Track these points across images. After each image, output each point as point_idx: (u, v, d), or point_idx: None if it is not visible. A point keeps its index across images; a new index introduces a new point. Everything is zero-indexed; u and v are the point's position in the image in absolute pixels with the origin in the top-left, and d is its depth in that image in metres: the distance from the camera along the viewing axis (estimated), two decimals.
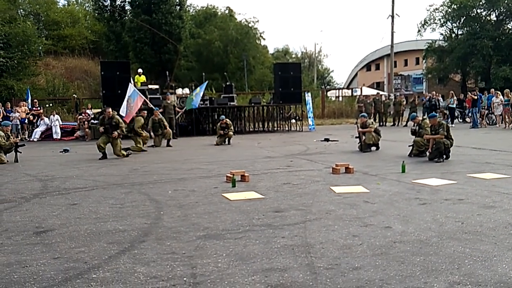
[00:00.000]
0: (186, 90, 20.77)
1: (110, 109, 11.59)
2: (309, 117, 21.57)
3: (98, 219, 5.12)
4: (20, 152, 11.07)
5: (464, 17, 41.60)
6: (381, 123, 22.20)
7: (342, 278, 3.20)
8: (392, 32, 35.51)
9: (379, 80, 59.26)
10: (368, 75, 61.71)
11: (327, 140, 14.73)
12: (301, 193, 6.29)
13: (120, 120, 11.51)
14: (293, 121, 22.39)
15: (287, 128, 21.72)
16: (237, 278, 3.26)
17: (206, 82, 19.76)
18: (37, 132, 18.49)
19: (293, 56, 59.81)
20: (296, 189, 6.64)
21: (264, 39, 49.55)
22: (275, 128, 21.77)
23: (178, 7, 32.52)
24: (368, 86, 45.60)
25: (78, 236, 4.45)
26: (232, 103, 20.65)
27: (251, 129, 21.89)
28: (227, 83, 22.18)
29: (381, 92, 27.00)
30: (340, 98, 32.99)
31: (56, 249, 4.06)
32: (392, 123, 22.89)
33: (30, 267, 3.61)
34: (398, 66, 55.08)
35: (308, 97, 22.00)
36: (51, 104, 24.27)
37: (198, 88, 18.49)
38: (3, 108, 18.79)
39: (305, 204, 5.59)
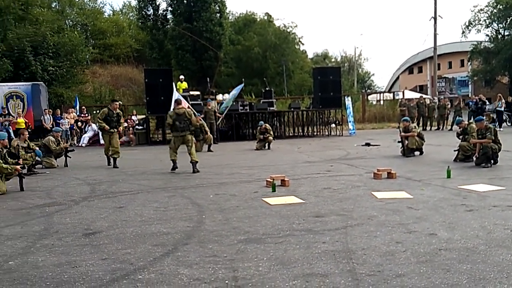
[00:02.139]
0: (227, 96, 21.03)
1: (117, 103, 11.40)
2: (350, 122, 21.31)
3: (143, 221, 5.28)
4: (70, 157, 11.57)
5: (511, 18, 39.95)
6: (425, 127, 21.61)
7: (385, 285, 3.16)
8: (435, 34, 34.56)
9: (422, 83, 57.74)
10: (410, 78, 60.28)
11: (368, 144, 14.50)
12: (342, 198, 6.24)
13: (121, 114, 11.22)
14: (333, 125, 22.18)
15: (327, 133, 21.54)
16: (278, 283, 3.28)
17: (242, 84, 19.95)
18: (85, 138, 19.24)
19: (333, 60, 59.28)
20: (337, 194, 6.59)
21: (303, 44, 49.37)
22: (315, 133, 21.63)
23: (218, 15, 33.03)
24: (411, 90, 44.57)
25: (125, 238, 4.61)
26: (271, 108, 20.72)
27: (290, 134, 21.86)
28: (267, 88, 22.29)
29: (424, 96, 26.29)
30: (382, 102, 32.39)
31: (104, 250, 4.22)
32: (436, 127, 22.24)
33: (80, 267, 3.77)
34: (442, 68, 53.50)
35: (348, 101, 21.75)
36: (98, 111, 25.18)
37: (234, 90, 18.73)
38: (51, 114, 19.70)
39: (346, 210, 5.54)
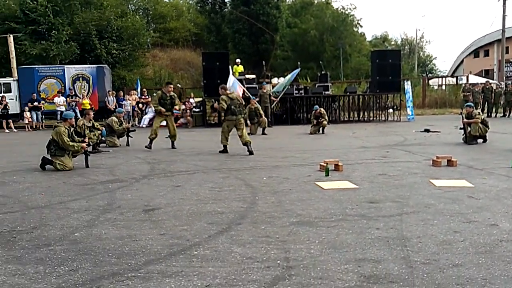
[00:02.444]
0: (282, 80, 20.99)
1: (171, 86, 11.28)
2: (408, 107, 20.61)
3: (199, 200, 5.46)
4: (131, 137, 12.10)
5: None
6: (490, 114, 20.47)
7: (441, 275, 3.08)
8: (504, 16, 32.38)
9: (488, 67, 54.39)
10: (475, 62, 56.97)
11: (427, 131, 13.98)
12: (398, 185, 6.09)
13: (175, 96, 11.14)
14: (391, 110, 21.55)
15: (383, 118, 20.98)
16: (329, 266, 3.29)
17: (299, 69, 19.79)
18: (146, 119, 20.00)
19: (392, 43, 57.11)
20: (392, 180, 6.44)
21: (361, 26, 47.83)
22: (371, 118, 21.14)
23: None
24: (476, 74, 42.13)
25: (181, 215, 4.79)
26: (327, 92, 20.45)
27: (345, 119, 21.50)
28: (322, 72, 21.99)
29: (490, 81, 24.82)
30: (444, 87, 30.96)
31: (162, 226, 4.41)
32: (502, 114, 21.00)
33: (139, 241, 3.97)
34: (510, 52, 50.07)
35: (407, 85, 21.01)
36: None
37: (290, 75, 18.65)
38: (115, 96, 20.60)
39: (401, 196, 5.42)
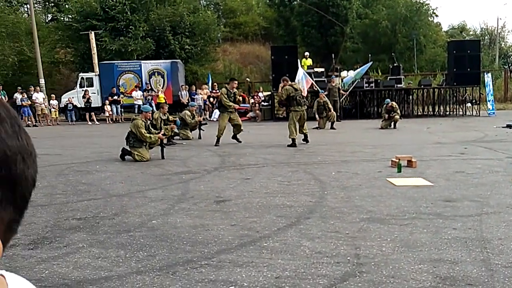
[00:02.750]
0: (351, 73, 20.56)
1: (236, 82, 11.20)
2: (489, 101, 19.34)
3: (268, 193, 5.53)
4: (203, 130, 12.49)
5: None
6: None
7: None
8: None
9: None
10: None
11: (510, 126, 13.05)
12: (477, 183, 5.77)
13: (237, 92, 11.12)
14: (469, 105, 20.34)
15: (461, 113, 19.86)
16: (402, 265, 3.21)
17: (370, 62, 19.27)
18: (216, 112, 20.48)
19: (471, 33, 53.67)
20: (471, 178, 6.11)
21: (437, 15, 45.55)
22: (447, 112, 20.10)
23: None
24: None
25: (251, 207, 4.89)
26: (399, 85, 19.73)
27: (419, 113, 20.63)
28: (395, 64, 21.21)
29: None
30: None
31: (233, 217, 4.54)
32: None
33: (212, 230, 4.12)
34: None
35: (488, 78, 19.71)
36: None
37: (360, 68, 18.22)
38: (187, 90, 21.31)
39: (481, 196, 5.13)
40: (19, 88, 20.70)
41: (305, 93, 12.86)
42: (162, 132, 8.94)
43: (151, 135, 8.49)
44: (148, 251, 3.62)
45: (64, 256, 3.53)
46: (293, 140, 9.92)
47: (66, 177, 6.96)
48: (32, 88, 20.59)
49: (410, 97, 20.83)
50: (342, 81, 19.41)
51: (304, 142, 10.23)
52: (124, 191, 5.85)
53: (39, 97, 20.29)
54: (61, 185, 6.35)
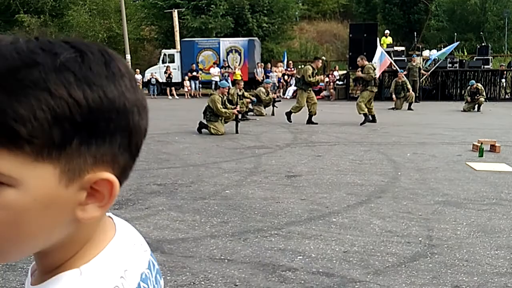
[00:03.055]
0: (434, 52, 19.48)
1: (321, 60, 11.25)
2: None
3: (338, 171, 5.53)
4: (277, 107, 12.60)
5: None
6: None
7: None
8: None
9: None
10: None
11: None
12: None
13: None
14: None
15: None
16: (477, 249, 3.11)
17: (457, 42, 18.11)
18: (290, 90, 20.51)
19: None
20: None
21: None
22: None
23: None
24: None
25: (321, 183, 4.93)
26: (486, 67, 18.39)
27: (507, 96, 19.15)
28: (482, 44, 19.76)
29: None
30: None
31: (303, 192, 4.61)
32: None
33: (282, 203, 4.23)
34: None
35: None
36: (302, 66, 26.33)
37: (445, 49, 17.24)
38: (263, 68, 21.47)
39: None
40: None
41: (378, 75, 12.48)
42: (237, 108, 9.16)
43: (227, 110, 8.74)
44: (222, 217, 3.81)
45: (145, 217, 3.83)
46: (365, 114, 9.87)
47: (148, 146, 7.41)
48: None
49: (503, 80, 19.31)
50: (424, 61, 18.46)
51: (374, 122, 10.25)
52: (200, 162, 6.13)
53: None
54: (144, 153, 6.77)
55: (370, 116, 10.17)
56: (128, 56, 23.24)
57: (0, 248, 0.43)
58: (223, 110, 8.68)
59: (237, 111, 9.05)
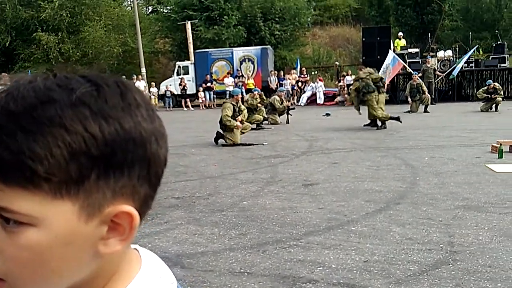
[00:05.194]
0: (449, 53, 19.26)
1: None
2: None
3: (356, 178, 5.50)
4: (291, 115, 12.60)
5: None
6: None
7: None
8: None
9: None
10: None
11: None
12: None
13: None
14: None
15: None
16: (500, 254, 3.06)
17: (474, 48, 17.93)
18: (304, 97, 20.50)
19: None
20: None
21: None
22: None
23: None
24: None
25: (339, 191, 4.91)
26: (503, 65, 18.12)
27: None
28: (498, 42, 19.48)
29: None
30: None
31: (321, 200, 4.60)
32: None
33: (300, 212, 4.22)
34: None
35: None
36: (316, 72, 26.30)
37: (463, 58, 17.09)
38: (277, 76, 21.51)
39: None
40: (123, 77, 22.35)
41: (388, 81, 12.60)
42: (239, 120, 8.81)
43: (230, 120, 8.55)
44: (240, 230, 3.82)
45: (164, 232, 3.87)
46: (384, 118, 10.06)
47: None
48: (135, 76, 22.12)
49: None
50: (439, 63, 18.23)
51: (375, 127, 10.34)
52: (217, 173, 6.16)
53: (141, 85, 21.76)
54: None
55: (379, 121, 10.17)
56: (143, 70, 23.53)
57: None
58: (228, 118, 8.53)
59: (240, 121, 8.78)
